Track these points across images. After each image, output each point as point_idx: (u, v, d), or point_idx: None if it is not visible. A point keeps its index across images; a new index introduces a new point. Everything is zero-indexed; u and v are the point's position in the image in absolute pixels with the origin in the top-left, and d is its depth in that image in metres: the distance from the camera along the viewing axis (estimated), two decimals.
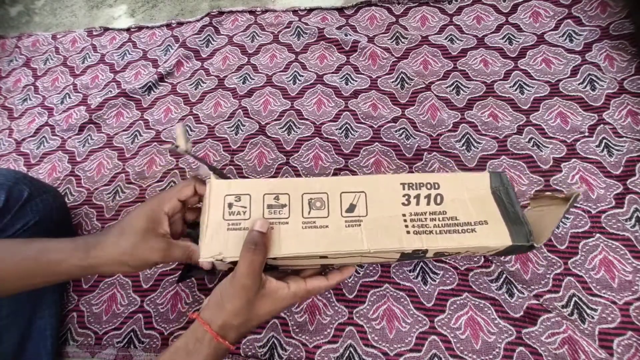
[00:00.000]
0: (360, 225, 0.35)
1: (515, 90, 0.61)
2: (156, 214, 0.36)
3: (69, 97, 0.78)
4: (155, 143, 0.67)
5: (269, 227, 0.35)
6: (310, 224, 0.35)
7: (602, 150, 0.53)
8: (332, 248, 0.34)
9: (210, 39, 0.79)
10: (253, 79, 0.72)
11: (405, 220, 0.36)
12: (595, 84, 0.58)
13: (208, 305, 0.35)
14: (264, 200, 0.36)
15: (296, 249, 0.34)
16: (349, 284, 0.50)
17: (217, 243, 0.35)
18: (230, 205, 0.36)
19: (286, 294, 0.35)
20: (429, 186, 0.37)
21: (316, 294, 0.39)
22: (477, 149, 0.57)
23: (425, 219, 0.36)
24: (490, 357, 0.43)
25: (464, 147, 0.57)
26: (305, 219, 0.36)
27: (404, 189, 0.37)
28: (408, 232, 0.35)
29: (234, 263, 0.34)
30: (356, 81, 0.67)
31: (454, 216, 0.36)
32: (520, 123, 0.58)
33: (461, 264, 0.49)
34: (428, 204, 0.37)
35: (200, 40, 0.78)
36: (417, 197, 0.37)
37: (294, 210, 0.36)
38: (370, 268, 0.50)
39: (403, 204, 0.37)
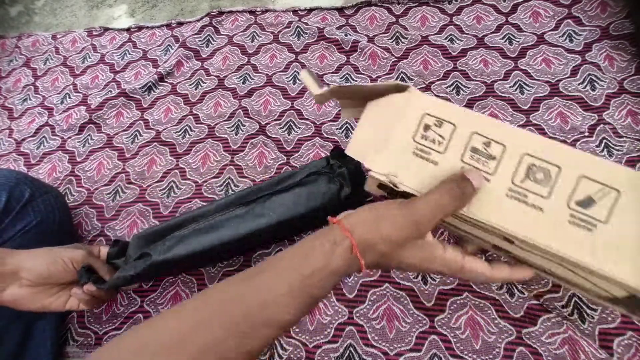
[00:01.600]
0: (591, 230, 0.24)
1: (515, 90, 0.61)
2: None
3: (69, 97, 0.78)
4: (156, 143, 0.67)
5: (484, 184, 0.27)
6: (519, 196, 0.26)
7: (602, 150, 0.53)
8: (539, 239, 0.25)
9: (210, 39, 0.79)
10: (253, 79, 0.72)
11: None
12: (595, 84, 0.58)
13: (354, 216, 0.29)
14: (471, 139, 0.28)
15: (491, 217, 0.26)
16: (349, 284, 0.50)
17: (396, 162, 0.29)
18: (426, 128, 0.29)
19: (440, 255, 0.29)
20: None
21: (470, 278, 0.31)
22: None
23: None
24: (490, 357, 0.43)
25: None
26: (514, 185, 0.27)
27: None
28: None
29: (401, 195, 0.28)
30: (356, 81, 0.67)
31: None
32: (520, 123, 0.57)
33: None
34: None
35: (200, 40, 0.78)
36: None
37: (504, 168, 0.27)
38: None
39: None
